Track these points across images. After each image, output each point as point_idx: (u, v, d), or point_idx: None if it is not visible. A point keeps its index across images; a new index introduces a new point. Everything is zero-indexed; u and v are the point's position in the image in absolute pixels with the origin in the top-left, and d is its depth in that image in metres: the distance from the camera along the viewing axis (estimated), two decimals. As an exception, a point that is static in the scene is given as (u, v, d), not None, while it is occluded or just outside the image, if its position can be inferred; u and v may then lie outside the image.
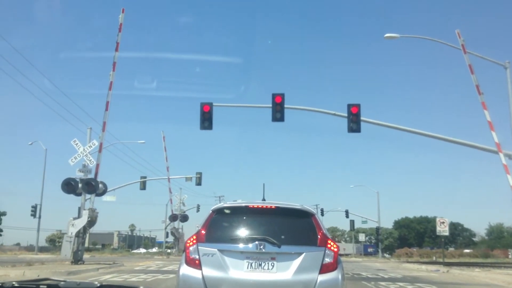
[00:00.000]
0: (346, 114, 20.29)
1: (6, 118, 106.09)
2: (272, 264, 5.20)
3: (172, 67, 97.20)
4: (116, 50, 21.79)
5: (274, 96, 20.19)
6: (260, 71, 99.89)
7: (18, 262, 22.95)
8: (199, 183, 45.31)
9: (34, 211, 47.64)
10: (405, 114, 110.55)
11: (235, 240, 5.39)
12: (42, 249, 58.79)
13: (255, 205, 5.74)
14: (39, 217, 47.91)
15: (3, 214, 74.11)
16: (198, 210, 58.86)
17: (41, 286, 1.80)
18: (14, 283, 1.81)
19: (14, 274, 15.08)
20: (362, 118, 20.32)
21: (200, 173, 45.55)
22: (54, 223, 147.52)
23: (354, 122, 20.03)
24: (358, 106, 20.25)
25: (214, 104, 20.83)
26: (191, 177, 45.78)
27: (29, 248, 66.01)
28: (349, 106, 20.26)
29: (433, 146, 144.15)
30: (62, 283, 1.86)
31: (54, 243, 75.74)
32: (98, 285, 1.82)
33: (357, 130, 20.08)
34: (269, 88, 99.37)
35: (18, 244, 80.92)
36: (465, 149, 22.50)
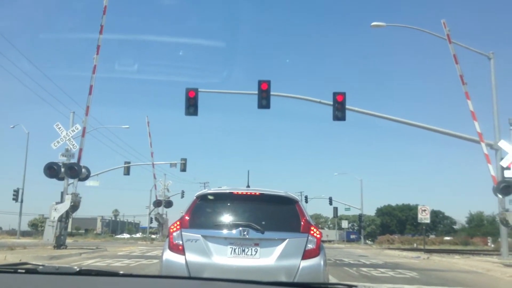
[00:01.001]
0: (331, 102, 20.37)
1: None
2: (255, 250, 5.23)
3: (155, 50, 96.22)
4: (100, 33, 21.42)
5: (260, 82, 20.14)
6: (244, 57, 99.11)
7: (-1, 246, 22.73)
8: (183, 169, 45.16)
9: (16, 195, 47.05)
10: (390, 103, 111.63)
11: (218, 226, 5.40)
12: (24, 234, 58.32)
13: (240, 192, 5.75)
14: (21, 201, 47.36)
15: (-16, 198, 73.36)
16: (182, 196, 58.74)
17: (19, 271, 1.77)
18: None
19: (-5, 259, 14.93)
20: (347, 106, 20.44)
21: (185, 159, 45.40)
22: (36, 207, 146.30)
23: (339, 110, 20.13)
24: (343, 94, 20.33)
25: (199, 90, 20.71)
26: (176, 163, 45.58)
27: (11, 232, 65.33)
28: (335, 94, 20.33)
29: (417, 135, 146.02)
30: (40, 267, 1.83)
31: (36, 227, 75.17)
32: (77, 269, 1.80)
33: (342, 118, 20.20)
34: (253, 74, 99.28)
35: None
36: (448, 138, 22.85)
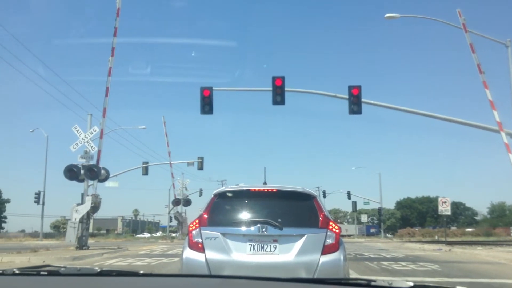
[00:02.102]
0: (347, 96, 20.19)
1: (8, 106, 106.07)
2: (274, 246, 5.24)
3: (168, 52, 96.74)
4: (114, 35, 21.65)
5: (274, 79, 20.07)
6: (256, 56, 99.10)
7: (23, 248, 23.19)
8: (201, 167, 45.37)
9: (38, 198, 47.92)
10: (407, 96, 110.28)
11: (237, 223, 5.42)
12: (46, 235, 59.31)
13: (257, 189, 5.76)
14: (43, 204, 48.24)
15: (7, 201, 74.75)
16: (200, 195, 59.11)
17: (41, 273, 1.81)
18: (15, 270, 1.82)
19: (20, 261, 15.25)
20: (363, 99, 20.22)
21: (202, 158, 45.58)
22: (58, 209, 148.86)
23: (355, 104, 19.95)
24: (359, 87, 20.14)
25: (214, 88, 20.73)
26: (193, 162, 45.81)
27: (34, 235, 66.62)
28: (350, 88, 20.15)
29: (435, 127, 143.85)
30: (62, 269, 1.87)
31: (58, 229, 76.47)
32: (99, 270, 1.83)
33: (358, 112, 20.00)
34: (265, 73, 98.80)
35: (23, 230, 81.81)
36: (467, 128, 22.48)
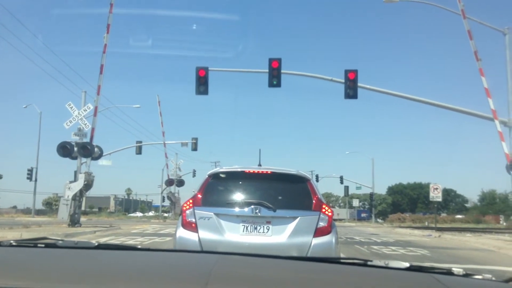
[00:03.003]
0: (343, 80, 20.14)
1: (1, 81, 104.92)
2: (267, 228, 5.27)
3: (167, 25, 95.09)
4: (110, 11, 21.31)
5: (270, 61, 19.94)
6: (259, 30, 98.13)
7: (15, 224, 23.20)
8: (195, 148, 45.34)
9: (30, 174, 47.84)
10: (403, 81, 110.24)
11: (231, 204, 5.44)
12: (38, 212, 59.33)
13: (251, 170, 5.76)
14: (35, 180, 48.20)
15: (-1, 177, 74.59)
16: (194, 175, 59.19)
17: (39, 245, 1.81)
18: (11, 241, 1.82)
19: (12, 236, 15.27)
20: (359, 84, 20.19)
21: (196, 139, 45.52)
22: (50, 186, 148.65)
23: (351, 88, 19.91)
24: (355, 72, 20.08)
25: (209, 68, 20.56)
26: (187, 143, 45.77)
27: (26, 211, 66.60)
28: (346, 71, 20.08)
29: (429, 113, 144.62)
30: (60, 242, 1.86)
31: (50, 206, 76.49)
32: (96, 244, 1.83)
33: (354, 96, 19.98)
34: (267, 48, 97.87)
35: (15, 207, 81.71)
36: (460, 115, 22.55)
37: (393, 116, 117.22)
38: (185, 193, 55.41)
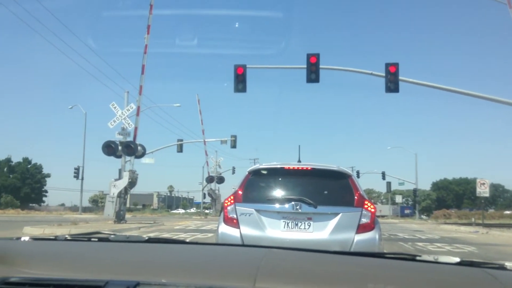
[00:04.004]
0: (384, 74, 19.70)
1: (47, 83, 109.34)
2: (309, 224, 5.26)
3: (210, 23, 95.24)
4: (150, 12, 21.76)
5: (308, 56, 19.77)
6: (303, 27, 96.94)
7: (63, 221, 24.17)
8: (234, 146, 45.64)
9: (77, 173, 49.64)
10: (446, 74, 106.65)
11: (271, 200, 5.47)
12: (85, 209, 61.47)
13: (291, 167, 5.77)
14: (82, 179, 49.97)
15: (48, 176, 77.82)
16: (233, 172, 59.65)
17: (92, 239, 1.89)
18: (66, 236, 1.91)
19: (61, 233, 15.93)
20: (400, 77, 19.69)
21: (235, 136, 45.79)
22: (96, 184, 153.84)
23: (392, 81, 19.43)
24: (396, 65, 19.58)
25: (247, 66, 20.58)
26: (226, 140, 46.12)
27: (73, 208, 69.26)
28: (387, 65, 19.60)
29: (474, 106, 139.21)
30: (112, 236, 1.95)
31: (96, 203, 79.14)
32: (146, 238, 1.90)
33: (395, 90, 19.49)
34: (310, 44, 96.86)
35: (62, 204, 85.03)
36: (507, 108, 21.59)
37: (437, 109, 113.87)
38: (225, 190, 55.91)
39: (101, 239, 1.91)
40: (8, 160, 74.21)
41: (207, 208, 67.74)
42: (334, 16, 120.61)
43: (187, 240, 14.85)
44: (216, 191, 52.03)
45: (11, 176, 72.92)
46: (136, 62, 21.79)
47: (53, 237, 1.94)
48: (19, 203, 65.45)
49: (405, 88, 21.48)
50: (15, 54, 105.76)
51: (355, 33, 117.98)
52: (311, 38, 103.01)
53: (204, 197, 60.84)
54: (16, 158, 75.34)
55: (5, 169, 73.84)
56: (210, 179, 50.03)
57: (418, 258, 1.60)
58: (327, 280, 1.30)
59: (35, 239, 1.96)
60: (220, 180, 52.30)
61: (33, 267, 1.30)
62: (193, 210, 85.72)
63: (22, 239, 1.89)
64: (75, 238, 1.93)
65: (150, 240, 1.89)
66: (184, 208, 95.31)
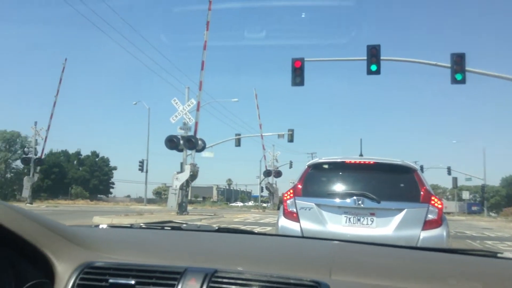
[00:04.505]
0: (449, 65, 18.81)
1: (113, 80, 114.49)
2: (372, 220, 5.14)
3: (276, 15, 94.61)
4: (209, 8, 22.12)
5: (369, 48, 19.28)
6: (374, 14, 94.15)
7: (129, 212, 25.28)
8: (291, 139, 45.46)
9: (142, 166, 51.72)
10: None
11: (332, 195, 5.38)
12: (149, 201, 63.78)
13: (353, 161, 5.66)
14: (146, 171, 52.00)
15: (114, 168, 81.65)
16: (290, 167, 59.56)
17: (165, 227, 1.97)
18: (141, 224, 2.01)
19: (127, 222, 16.66)
20: (467, 68, 18.72)
21: (292, 130, 45.60)
22: (159, 176, 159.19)
23: (458, 72, 18.53)
24: (462, 55, 18.65)
25: (305, 59, 20.37)
26: (283, 134, 46.07)
27: (138, 200, 72.14)
28: (453, 55, 18.72)
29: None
30: (184, 225, 2.02)
31: (160, 195, 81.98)
32: (216, 227, 1.95)
33: (462, 81, 18.59)
34: (382, 32, 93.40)
35: (128, 196, 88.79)
36: None
37: (508, 101, 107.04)
38: (283, 184, 55.96)
39: (173, 228, 2.00)
40: (78, 154, 78.55)
41: (264, 202, 68.17)
42: (401, 7, 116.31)
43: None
44: (274, 185, 52.21)
45: (80, 168, 77.15)
46: (198, 56, 22.15)
47: (129, 225, 2.04)
48: (88, 194, 69.12)
49: (472, 79, 20.34)
50: (85, 53, 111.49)
51: (422, 22, 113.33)
52: (378, 27, 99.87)
53: (262, 191, 61.33)
54: (85, 152, 79.69)
55: (75, 162, 78.25)
56: (267, 173, 50.30)
57: (499, 255, 1.54)
58: (405, 275, 1.27)
59: (113, 226, 2.07)
60: (278, 174, 52.42)
61: (113, 253, 1.37)
62: (251, 203, 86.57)
63: (100, 226, 1.99)
64: (149, 226, 2.03)
65: (220, 230, 1.94)
66: (243, 201, 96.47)
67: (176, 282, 1.17)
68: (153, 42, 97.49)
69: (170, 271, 1.21)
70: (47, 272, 1.25)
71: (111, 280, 1.20)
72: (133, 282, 1.19)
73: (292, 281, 1.15)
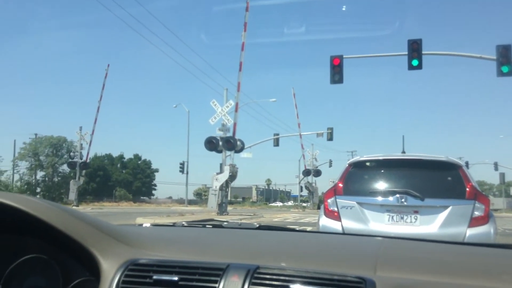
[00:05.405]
0: (494, 57, 18.07)
1: (153, 83, 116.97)
2: (415, 218, 5.03)
3: (315, 9, 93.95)
4: (247, 10, 22.24)
5: (409, 42, 18.81)
6: (414, 7, 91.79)
7: (171, 213, 25.78)
8: (330, 138, 44.94)
9: (182, 168, 52.60)
10: None
11: (373, 193, 5.30)
12: (190, 202, 64.77)
13: (395, 158, 5.56)
14: (187, 173, 52.87)
15: (156, 170, 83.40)
16: (330, 165, 58.98)
17: (207, 225, 2.01)
18: (183, 223, 2.05)
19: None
20: (514, 60, 17.89)
21: (331, 128, 45.11)
22: (199, 178, 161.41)
23: (504, 64, 17.77)
24: (508, 47, 17.87)
25: (344, 56, 20.12)
26: (322, 133, 45.58)
27: (180, 201, 73.36)
28: (498, 47, 17.98)
29: None
30: (225, 223, 2.04)
31: (200, 196, 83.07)
32: (257, 225, 1.96)
33: (509, 73, 17.81)
34: (424, 25, 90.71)
35: (170, 197, 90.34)
36: None
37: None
38: (322, 183, 55.62)
39: (215, 226, 2.02)
40: (121, 157, 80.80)
41: (304, 201, 67.82)
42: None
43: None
44: (313, 184, 51.87)
45: (123, 171, 79.30)
46: (236, 55, 22.19)
47: (171, 224, 2.08)
48: (131, 196, 70.95)
49: None
50: (126, 57, 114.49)
51: (465, 14, 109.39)
52: (419, 20, 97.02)
53: (301, 190, 60.98)
54: (128, 155, 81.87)
55: (119, 165, 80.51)
56: (306, 172, 50.02)
57: None
58: (453, 270, 1.24)
59: (156, 225, 2.11)
60: (317, 173, 52.04)
61: (156, 250, 1.39)
62: (290, 203, 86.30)
63: (144, 225, 2.05)
64: (191, 224, 2.06)
65: (261, 227, 1.95)
66: (282, 201, 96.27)
67: (218, 279, 1.18)
68: (192, 42, 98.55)
69: (212, 268, 1.22)
70: (94, 270, 1.28)
71: (155, 277, 1.22)
72: (176, 278, 1.20)
73: (336, 277, 1.13)
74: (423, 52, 18.66)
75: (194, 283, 1.19)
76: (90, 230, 1.33)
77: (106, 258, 1.29)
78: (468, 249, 1.59)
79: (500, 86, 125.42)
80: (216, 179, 22.58)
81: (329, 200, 5.47)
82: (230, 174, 22.73)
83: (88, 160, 40.55)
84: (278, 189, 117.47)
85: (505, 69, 17.75)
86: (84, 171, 39.82)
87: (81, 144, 38.97)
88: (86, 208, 35.89)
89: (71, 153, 40.82)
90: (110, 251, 1.31)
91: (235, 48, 22.63)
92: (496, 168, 56.44)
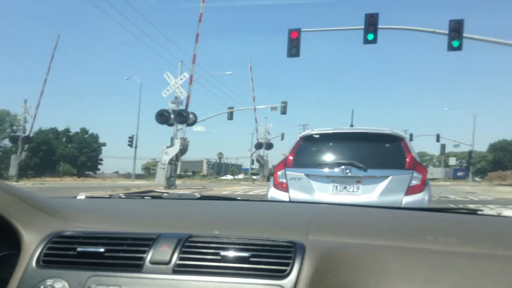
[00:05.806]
0: (447, 31, 18.54)
1: (104, 55, 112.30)
2: (357, 187, 5.26)
3: None
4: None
5: (367, 16, 18.94)
6: None
7: (117, 187, 25.25)
8: (284, 112, 45.25)
9: (131, 142, 51.49)
10: None
11: (321, 165, 5.50)
12: (138, 176, 63.55)
13: (343, 131, 5.75)
14: (135, 147, 51.85)
15: (103, 144, 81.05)
16: (282, 139, 59.60)
17: (145, 197, 1.95)
18: (121, 194, 1.98)
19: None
20: (464, 34, 18.44)
21: (285, 102, 45.24)
22: (148, 152, 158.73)
23: (455, 39, 18.31)
24: (460, 22, 18.42)
25: (302, 29, 20.03)
26: (277, 107, 45.80)
27: (127, 176, 71.94)
28: (451, 22, 18.46)
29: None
30: (165, 194, 2.01)
31: (149, 170, 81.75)
32: (199, 196, 1.94)
33: (458, 48, 18.39)
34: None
35: (116, 172, 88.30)
36: None
37: (501, 67, 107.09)
38: (274, 156, 56.28)
39: (154, 197, 1.96)
40: (67, 131, 77.72)
41: (255, 174, 68.54)
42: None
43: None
44: (265, 157, 52.40)
45: (69, 145, 76.52)
46: (193, 22, 21.54)
47: (107, 196, 2.02)
48: (76, 171, 68.74)
49: (468, 45, 19.90)
50: (74, 27, 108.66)
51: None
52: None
53: (252, 163, 61.51)
54: (74, 129, 78.89)
55: (64, 139, 77.55)
56: (258, 145, 50.38)
57: (479, 212, 1.56)
58: (382, 233, 1.27)
59: (90, 197, 2.01)
60: (269, 146, 52.54)
61: (87, 222, 1.33)
62: (241, 176, 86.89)
63: (78, 197, 1.95)
64: (129, 196, 2.01)
65: (203, 198, 1.93)
66: (233, 175, 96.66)
67: (147, 249, 1.14)
68: (142, 7, 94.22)
69: (142, 238, 1.18)
70: (16, 244, 1.21)
71: (79, 249, 1.16)
72: (102, 250, 1.15)
73: (268, 243, 1.13)
74: (379, 26, 18.86)
75: (121, 254, 1.14)
76: (13, 200, 1.23)
77: (28, 230, 1.21)
78: (401, 213, 1.66)
79: (448, 61, 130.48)
80: (166, 153, 22.27)
81: (278, 172, 5.61)
82: (181, 147, 22.46)
83: (31, 134, 38.71)
84: (229, 162, 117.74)
85: (455, 43, 18.26)
86: (26, 146, 38.07)
87: (25, 118, 37.05)
88: (27, 184, 34.45)
89: (14, 127, 38.84)
90: (34, 223, 1.23)
91: (194, 10, 21.95)
92: (438, 140, 59.16)
